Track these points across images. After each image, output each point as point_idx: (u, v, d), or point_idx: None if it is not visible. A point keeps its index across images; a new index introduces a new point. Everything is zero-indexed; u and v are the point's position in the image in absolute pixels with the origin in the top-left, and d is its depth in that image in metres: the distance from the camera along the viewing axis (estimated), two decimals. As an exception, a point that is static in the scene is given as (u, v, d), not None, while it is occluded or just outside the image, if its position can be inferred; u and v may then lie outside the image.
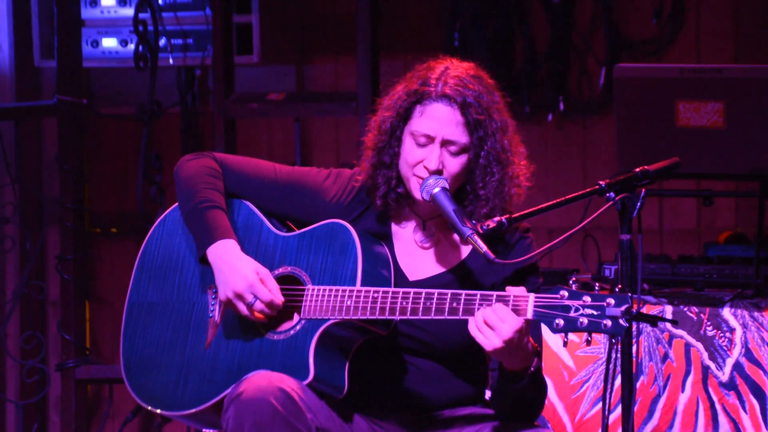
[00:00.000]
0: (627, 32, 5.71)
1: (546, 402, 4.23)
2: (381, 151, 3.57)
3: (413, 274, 3.58)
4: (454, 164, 3.50)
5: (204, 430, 3.81)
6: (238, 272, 3.50)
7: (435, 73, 3.52)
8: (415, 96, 3.52)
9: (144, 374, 3.63)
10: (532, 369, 3.37)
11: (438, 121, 3.49)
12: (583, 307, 3.21)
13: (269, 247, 3.60)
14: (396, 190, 3.57)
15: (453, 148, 3.50)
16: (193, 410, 3.55)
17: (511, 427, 3.46)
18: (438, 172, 3.48)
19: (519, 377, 3.38)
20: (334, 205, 3.62)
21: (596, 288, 3.24)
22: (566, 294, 3.23)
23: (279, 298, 3.50)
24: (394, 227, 3.63)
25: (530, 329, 3.33)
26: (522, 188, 3.55)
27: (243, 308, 3.50)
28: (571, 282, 3.16)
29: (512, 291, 3.29)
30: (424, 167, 3.49)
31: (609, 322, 3.18)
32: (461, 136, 3.49)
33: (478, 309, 3.30)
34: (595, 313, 3.20)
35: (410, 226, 3.63)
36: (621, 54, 5.68)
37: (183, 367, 3.58)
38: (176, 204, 3.72)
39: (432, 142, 3.49)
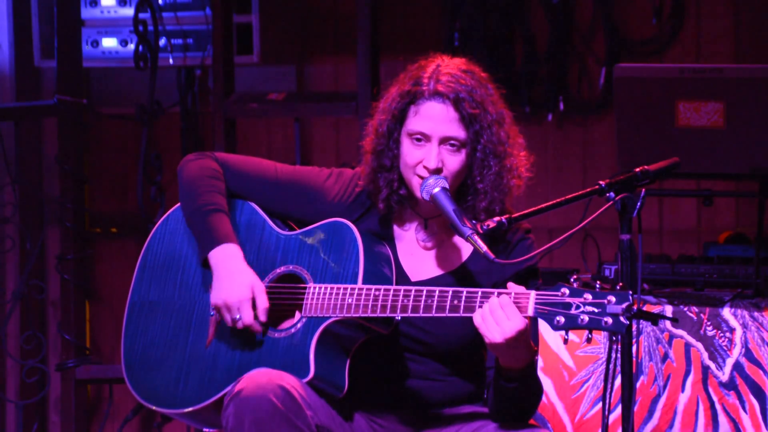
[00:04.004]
0: (627, 32, 5.71)
1: (546, 402, 4.24)
2: (380, 154, 3.57)
3: (415, 275, 3.58)
4: (454, 162, 3.50)
5: (205, 429, 3.81)
6: (233, 285, 3.50)
7: (426, 72, 3.52)
8: (408, 97, 3.52)
9: (145, 372, 3.63)
10: (527, 367, 3.37)
11: (433, 120, 3.49)
12: (584, 304, 3.21)
13: (271, 246, 3.60)
14: (398, 192, 3.57)
15: (451, 145, 3.49)
16: (193, 408, 3.55)
17: (510, 426, 3.47)
18: (438, 171, 3.48)
19: (514, 375, 3.38)
20: (335, 205, 3.62)
21: (597, 286, 3.24)
22: (567, 291, 3.23)
23: (261, 318, 3.50)
24: (396, 228, 3.63)
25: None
26: (522, 179, 3.55)
27: (227, 319, 3.51)
28: (572, 280, 3.16)
29: (513, 288, 3.30)
30: (424, 167, 3.49)
31: (610, 320, 3.19)
32: (458, 132, 3.49)
33: (479, 307, 3.30)
34: (595, 310, 3.20)
35: (412, 226, 3.63)
36: (621, 54, 5.67)
37: (184, 366, 3.59)
38: (179, 204, 3.72)
39: (429, 141, 3.49)
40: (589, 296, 3.21)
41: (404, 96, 3.52)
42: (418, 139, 3.50)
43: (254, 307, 3.50)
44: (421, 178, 3.50)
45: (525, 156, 3.57)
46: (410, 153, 3.51)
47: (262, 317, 3.51)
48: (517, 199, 3.63)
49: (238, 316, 3.50)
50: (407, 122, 3.52)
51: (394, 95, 3.55)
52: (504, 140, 3.52)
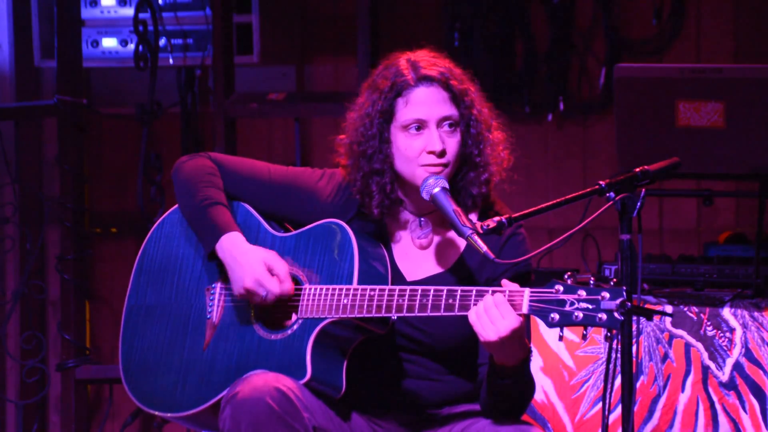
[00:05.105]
0: (627, 32, 5.71)
1: (546, 402, 4.24)
2: (371, 158, 3.55)
3: (411, 274, 3.58)
4: (452, 143, 3.50)
5: None
6: (244, 269, 3.50)
7: (402, 65, 3.53)
8: (392, 91, 3.51)
9: (143, 377, 3.62)
10: (520, 364, 3.37)
11: (426, 104, 3.49)
12: (578, 301, 3.21)
13: (266, 248, 3.59)
14: (390, 197, 3.56)
15: (448, 126, 3.50)
16: (191, 412, 3.54)
17: (501, 422, 3.46)
18: (443, 153, 3.47)
19: (507, 372, 3.38)
20: (328, 205, 3.61)
21: (591, 282, 3.24)
22: (561, 288, 3.23)
23: (288, 287, 3.50)
24: (390, 227, 3.62)
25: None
26: (507, 151, 3.57)
27: (257, 301, 3.51)
28: (566, 276, 3.15)
29: (508, 285, 3.30)
30: (430, 152, 3.48)
31: (604, 316, 3.18)
32: (451, 111, 3.50)
33: (474, 305, 3.30)
34: (590, 306, 3.20)
35: (407, 224, 3.61)
36: (621, 54, 5.68)
37: (181, 369, 3.58)
38: (174, 207, 3.72)
39: (426, 127, 3.49)
40: (583, 293, 3.21)
41: (387, 92, 3.51)
42: (418, 128, 3.50)
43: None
44: (428, 166, 3.48)
45: (502, 131, 3.59)
46: (409, 146, 3.50)
47: (288, 284, 3.49)
48: (517, 199, 3.64)
49: (264, 294, 3.49)
50: (398, 116, 3.51)
51: (373, 98, 3.53)
52: (489, 114, 3.56)
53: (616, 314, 3.18)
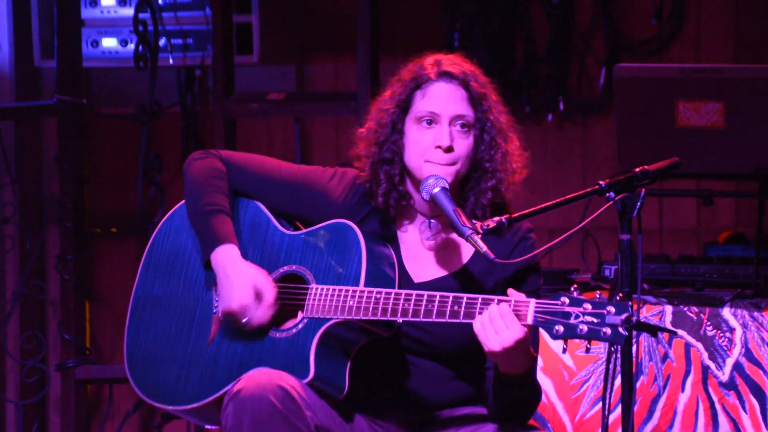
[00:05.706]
0: (627, 32, 5.71)
1: (546, 402, 4.25)
2: (382, 146, 3.56)
3: (418, 276, 3.58)
4: (463, 145, 3.51)
5: (206, 426, 3.81)
6: (233, 290, 3.49)
7: (427, 61, 3.56)
8: (413, 83, 3.53)
9: (147, 368, 3.63)
10: (525, 374, 3.37)
11: (443, 99, 3.50)
12: (584, 314, 3.20)
13: (275, 246, 3.60)
14: (398, 188, 3.57)
15: (461, 126, 3.50)
16: (193, 405, 3.54)
17: (508, 427, 3.47)
18: (450, 149, 3.48)
19: (513, 381, 3.38)
20: (339, 205, 3.61)
21: (597, 295, 3.24)
22: (567, 300, 3.22)
23: (269, 315, 3.50)
24: (398, 228, 3.62)
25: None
26: (521, 164, 3.57)
27: (239, 324, 3.51)
28: (572, 288, 3.15)
29: (513, 295, 3.29)
30: (437, 147, 3.48)
31: (609, 330, 3.18)
32: (467, 111, 3.51)
33: (479, 313, 3.30)
34: (595, 320, 3.19)
35: (415, 226, 3.62)
36: (621, 54, 5.68)
37: (185, 363, 3.58)
38: (184, 201, 3.72)
39: (438, 123, 3.50)
40: (588, 306, 3.20)
41: (409, 83, 3.53)
42: (429, 122, 3.50)
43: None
44: (433, 163, 3.48)
45: (519, 145, 3.59)
46: (419, 139, 3.51)
47: (271, 310, 3.49)
48: (517, 199, 3.64)
49: (245, 321, 3.49)
50: (413, 107, 3.53)
51: (393, 89, 3.56)
52: (507, 125, 3.56)
53: (620, 329, 3.17)
